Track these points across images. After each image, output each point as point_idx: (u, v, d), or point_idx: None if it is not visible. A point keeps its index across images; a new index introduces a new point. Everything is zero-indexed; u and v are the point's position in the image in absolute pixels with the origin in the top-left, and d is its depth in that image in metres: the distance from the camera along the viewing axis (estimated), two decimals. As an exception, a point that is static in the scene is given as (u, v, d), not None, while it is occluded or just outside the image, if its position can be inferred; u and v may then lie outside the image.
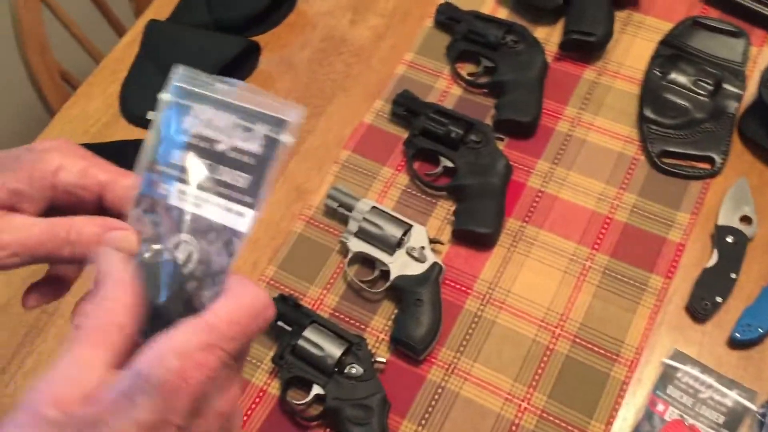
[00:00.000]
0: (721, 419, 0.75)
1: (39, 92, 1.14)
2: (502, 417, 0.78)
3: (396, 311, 0.85)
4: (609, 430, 0.76)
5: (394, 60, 1.03)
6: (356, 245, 0.87)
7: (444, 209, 0.91)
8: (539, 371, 0.80)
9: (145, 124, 1.01)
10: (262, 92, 0.49)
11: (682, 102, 0.92)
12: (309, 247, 0.90)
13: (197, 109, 0.49)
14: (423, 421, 0.79)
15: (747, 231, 0.84)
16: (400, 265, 0.85)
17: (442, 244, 0.88)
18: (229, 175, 0.49)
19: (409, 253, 0.85)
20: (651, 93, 0.94)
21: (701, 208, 0.87)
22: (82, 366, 0.40)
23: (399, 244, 0.85)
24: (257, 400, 0.81)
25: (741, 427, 0.74)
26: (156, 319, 0.46)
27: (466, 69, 1.01)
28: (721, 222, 0.85)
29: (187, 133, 0.49)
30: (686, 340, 0.81)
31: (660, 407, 0.76)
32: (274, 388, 0.81)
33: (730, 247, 0.83)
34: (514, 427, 0.77)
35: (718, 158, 0.89)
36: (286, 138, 0.49)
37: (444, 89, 1.00)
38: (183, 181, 0.48)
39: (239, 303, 0.44)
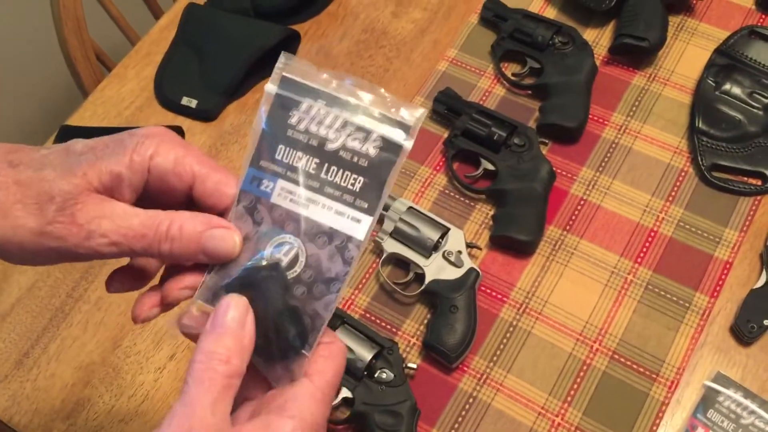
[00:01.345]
0: (764, 448, 0.72)
1: (73, 72, 1.12)
2: (535, 431, 0.76)
3: (429, 316, 0.82)
4: (645, 451, 0.74)
5: (436, 56, 1.00)
6: (391, 246, 0.84)
7: (483, 213, 0.89)
8: (575, 386, 0.78)
9: (179, 109, 0.99)
10: (379, 90, 0.46)
11: (736, 114, 0.89)
12: (342, 245, 0.88)
13: (306, 103, 0.46)
14: (452, 430, 0.76)
15: (799, 252, 0.81)
16: (435, 269, 0.82)
17: (479, 249, 0.86)
18: (340, 176, 0.46)
19: (445, 257, 0.83)
20: (703, 103, 0.90)
21: (750, 226, 0.84)
22: (200, 416, 0.40)
23: (435, 247, 0.83)
24: (283, 399, 0.79)
25: (784, 457, 0.72)
26: (262, 322, 0.44)
27: (510, 69, 0.98)
28: (771, 242, 0.82)
29: (294, 128, 0.46)
30: (729, 362, 0.78)
31: (700, 431, 0.73)
32: (302, 388, 0.80)
33: (781, 269, 0.80)
34: (546, 443, 0.75)
35: (771, 175, 0.86)
36: (406, 141, 0.46)
37: (487, 89, 0.97)
38: (289, 179, 0.46)
39: (338, 365, 0.45)
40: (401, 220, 0.84)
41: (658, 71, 0.96)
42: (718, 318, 0.80)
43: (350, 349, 0.77)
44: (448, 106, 0.93)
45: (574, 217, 0.87)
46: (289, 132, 0.46)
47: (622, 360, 0.78)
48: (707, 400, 0.75)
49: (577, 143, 0.92)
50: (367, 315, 0.84)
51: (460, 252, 0.83)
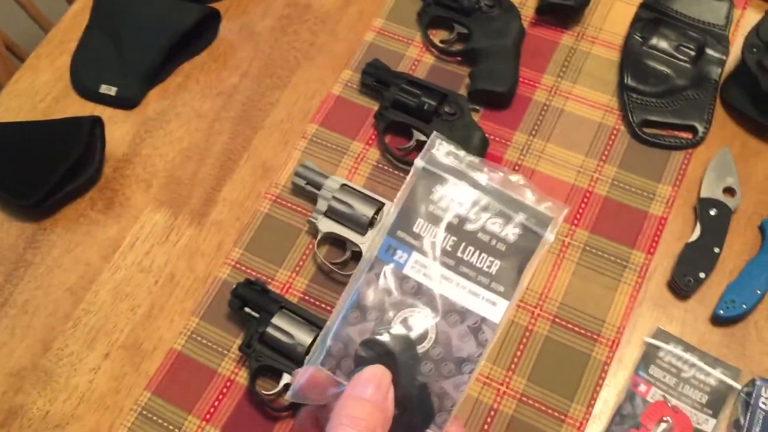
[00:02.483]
0: (705, 399, 0.72)
1: (-17, 65, 1.07)
2: (480, 402, 0.75)
3: (369, 294, 0.81)
4: (590, 412, 0.74)
5: (363, 27, 0.98)
6: (326, 225, 0.82)
7: (417, 185, 0.87)
8: (518, 353, 0.77)
9: (98, 98, 0.95)
10: (522, 179, 0.47)
11: (664, 68, 0.88)
12: (276, 228, 0.86)
13: (452, 182, 0.47)
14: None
15: (730, 203, 0.81)
16: (372, 246, 0.81)
17: (415, 222, 0.85)
18: (477, 257, 0.46)
19: (381, 233, 0.81)
20: (631, 59, 0.90)
21: (683, 180, 0.84)
22: None
23: (371, 223, 0.81)
24: (224, 390, 0.77)
25: (725, 406, 0.72)
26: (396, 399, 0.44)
27: (438, 36, 0.96)
28: (703, 194, 0.82)
29: (435, 204, 0.46)
30: (668, 317, 0.78)
31: (642, 388, 0.74)
32: (242, 377, 0.78)
33: (713, 221, 0.80)
34: (492, 412, 0.75)
35: (700, 127, 0.86)
36: (548, 233, 0.46)
37: (416, 57, 0.95)
38: (424, 253, 0.46)
39: None
40: (334, 198, 0.82)
41: (586, 29, 0.95)
42: (655, 274, 0.80)
43: (290, 334, 0.75)
44: (376, 78, 0.91)
45: (509, 183, 0.86)
46: (430, 207, 0.46)
47: (563, 323, 0.78)
48: (648, 357, 0.75)
49: (508, 108, 0.90)
50: (306, 298, 0.82)
51: (396, 227, 0.81)
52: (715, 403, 0.72)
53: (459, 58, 0.94)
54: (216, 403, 0.77)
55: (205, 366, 0.78)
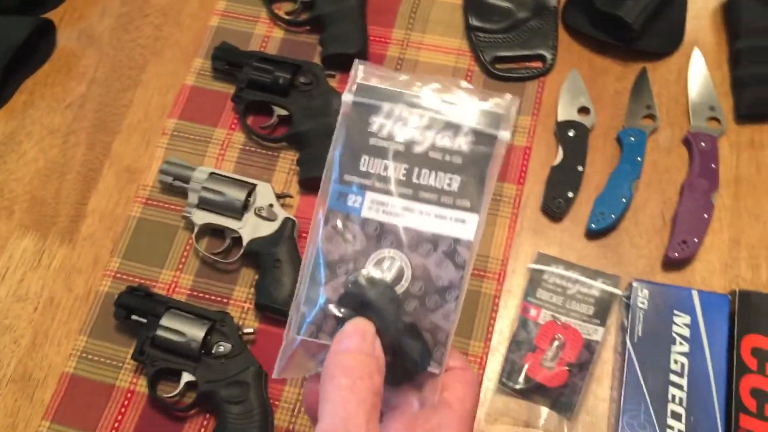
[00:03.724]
0: (591, 310, 0.75)
1: None
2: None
3: (256, 277, 0.80)
4: (488, 346, 0.76)
5: (206, 12, 0.96)
6: (200, 217, 0.81)
7: (288, 160, 0.86)
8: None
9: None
10: (461, 82, 0.44)
11: (505, 4, 0.90)
12: (152, 230, 0.83)
13: (387, 107, 0.43)
14: (304, 382, 0.75)
15: (586, 122, 0.84)
16: (250, 229, 0.80)
17: (291, 197, 0.84)
18: (434, 178, 0.43)
19: (257, 214, 0.80)
20: (472, 1, 0.91)
21: (540, 108, 0.87)
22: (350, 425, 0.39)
23: (245, 206, 0.80)
24: (126, 402, 0.75)
25: (610, 313, 0.75)
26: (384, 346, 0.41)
27: (283, 8, 0.95)
28: (560, 118, 0.85)
29: (376, 135, 0.43)
30: (547, 241, 0.81)
31: (533, 312, 0.76)
32: (142, 386, 0.76)
33: (573, 141, 0.83)
34: (396, 366, 0.76)
35: (548, 54, 0.88)
36: (501, 131, 0.43)
37: (265, 34, 0.94)
38: (378, 190, 0.42)
39: (476, 393, 0.44)
40: (204, 188, 0.81)
41: (427, -21, 0.96)
42: (528, 202, 0.82)
43: (181, 333, 0.74)
44: (227, 61, 0.89)
45: (377, 142, 0.87)
46: (371, 140, 0.43)
47: (450, 266, 0.80)
48: (534, 282, 0.78)
49: None
50: (195, 293, 0.80)
51: (271, 205, 0.81)
52: (601, 312, 0.75)
53: (308, 28, 0.93)
54: (119, 417, 0.75)
55: (101, 383, 0.76)
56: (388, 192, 0.43)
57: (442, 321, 0.42)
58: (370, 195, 0.43)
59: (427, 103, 0.43)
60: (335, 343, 0.42)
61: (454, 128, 0.43)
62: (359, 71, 0.45)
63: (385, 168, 0.43)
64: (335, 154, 0.44)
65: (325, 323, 0.43)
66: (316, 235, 0.44)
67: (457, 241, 0.42)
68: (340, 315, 0.43)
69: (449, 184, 0.43)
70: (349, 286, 0.43)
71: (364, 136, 0.43)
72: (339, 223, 0.43)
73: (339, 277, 0.43)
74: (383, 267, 0.43)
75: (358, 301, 0.42)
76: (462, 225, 0.43)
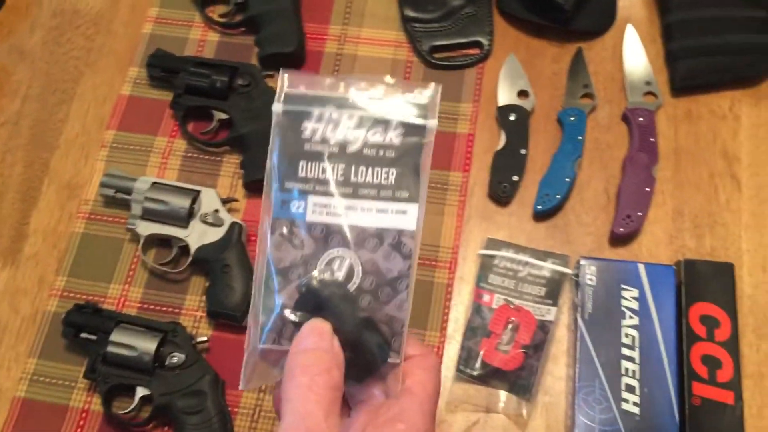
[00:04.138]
0: (543, 291, 0.76)
1: None
2: (341, 356, 0.76)
3: (207, 284, 0.79)
4: (444, 334, 0.76)
5: (138, 20, 0.94)
6: (145, 228, 0.80)
7: (231, 164, 0.85)
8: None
9: None
10: (384, 78, 0.45)
11: (438, -7, 0.90)
12: (97, 245, 0.82)
13: (316, 112, 0.44)
14: (263, 386, 0.75)
15: (526, 105, 0.85)
16: (197, 236, 0.79)
17: (236, 201, 0.83)
18: (371, 174, 0.44)
19: (203, 221, 0.79)
20: (407, -9, 0.91)
21: (481, 94, 0.87)
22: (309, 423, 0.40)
23: (190, 214, 0.79)
24: (81, 422, 0.74)
25: (562, 292, 0.76)
26: (340, 342, 0.43)
27: (217, 11, 0.94)
28: (501, 103, 0.85)
29: (310, 141, 0.44)
30: (496, 226, 0.81)
31: (486, 298, 0.76)
32: (97, 404, 0.74)
33: (515, 125, 0.84)
34: (354, 363, 0.75)
35: (484, 41, 0.89)
36: (428, 120, 0.44)
37: (200, 38, 0.92)
38: (319, 193, 0.44)
39: (437, 378, 0.45)
40: (147, 198, 0.79)
41: (360, -28, 0.95)
42: (475, 189, 0.83)
43: (132, 347, 0.73)
44: (163, 68, 0.88)
45: (321, 139, 0.86)
46: (306, 146, 0.44)
47: (402, 259, 0.80)
48: (485, 267, 0.78)
49: (303, 66, 0.90)
50: (145, 306, 0.79)
51: (217, 211, 0.80)
52: (552, 292, 0.76)
53: (243, 29, 0.92)
54: (75, 438, 0.73)
55: (54, 404, 0.75)
56: (328, 194, 0.44)
57: (396, 311, 0.43)
58: (312, 199, 0.44)
59: (355, 102, 0.45)
60: (294, 345, 0.43)
61: (383, 123, 0.44)
62: (284, 80, 0.45)
63: (323, 171, 0.44)
64: (273, 164, 0.44)
65: (284, 329, 0.44)
66: (265, 244, 0.44)
67: (401, 232, 0.44)
68: (297, 319, 0.44)
69: (386, 178, 0.44)
70: (303, 290, 0.44)
71: (299, 142, 0.44)
72: (285, 230, 0.44)
73: (292, 282, 0.44)
74: (334, 267, 0.44)
75: (313, 304, 0.43)
76: (404, 216, 0.44)
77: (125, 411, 0.73)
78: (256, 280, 0.45)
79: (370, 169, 0.44)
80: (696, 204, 0.80)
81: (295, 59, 0.89)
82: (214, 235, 0.79)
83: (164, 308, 0.79)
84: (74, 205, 0.84)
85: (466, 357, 0.74)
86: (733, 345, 0.70)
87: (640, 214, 0.78)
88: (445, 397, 0.73)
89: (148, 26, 0.93)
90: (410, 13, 0.90)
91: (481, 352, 0.73)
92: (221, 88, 0.85)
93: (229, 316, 0.76)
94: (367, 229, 0.44)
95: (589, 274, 0.73)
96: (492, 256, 0.78)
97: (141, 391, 0.73)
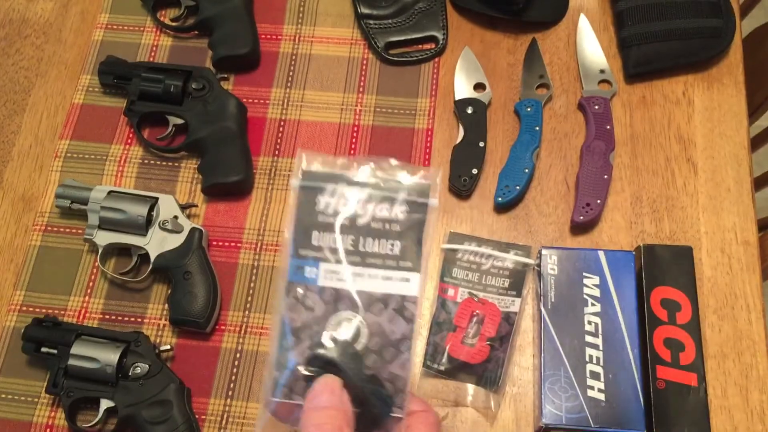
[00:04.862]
0: (507, 282, 0.76)
1: None
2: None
3: (168, 292, 0.78)
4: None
5: (88, 27, 0.92)
6: (104, 238, 0.78)
7: (189, 170, 0.85)
8: (330, 299, 0.78)
9: None
10: (390, 161, 0.50)
11: (391, -11, 0.90)
12: (55, 257, 0.81)
13: (330, 188, 0.50)
14: (230, 392, 0.74)
15: (483, 97, 0.85)
16: (157, 244, 0.78)
17: (196, 206, 0.82)
18: (378, 245, 0.49)
19: (162, 228, 0.78)
20: (359, -12, 0.91)
21: (438, 89, 0.87)
22: None
23: (149, 221, 0.78)
24: (45, 438, 0.73)
25: (525, 283, 0.76)
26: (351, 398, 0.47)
27: (168, 15, 0.92)
28: (458, 96, 0.85)
29: (323, 213, 0.49)
30: (458, 219, 0.81)
31: (450, 292, 0.76)
32: (61, 419, 0.73)
33: (472, 118, 0.84)
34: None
35: (439, 35, 0.89)
36: (430, 200, 0.50)
37: (153, 43, 0.91)
38: (330, 260, 0.49)
39: (436, 430, 0.48)
40: (104, 208, 0.78)
41: (312, -29, 0.95)
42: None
43: (94, 359, 0.72)
44: (115, 75, 0.86)
45: (279, 141, 0.86)
46: (320, 218, 0.49)
47: (365, 257, 0.79)
48: (448, 262, 0.78)
49: (258, 68, 0.89)
50: (107, 317, 0.78)
51: (176, 217, 0.79)
52: (516, 283, 0.76)
53: (195, 33, 0.91)
54: (40, 455, 0.72)
55: (17, 421, 0.73)
56: (339, 261, 0.49)
57: (399, 370, 0.48)
58: (323, 266, 0.49)
59: (364, 180, 0.50)
60: (308, 401, 0.47)
61: (390, 200, 0.50)
62: (303, 159, 0.51)
63: (334, 241, 0.49)
64: (289, 233, 0.50)
65: (297, 384, 0.48)
66: (280, 305, 0.49)
67: (404, 297, 0.48)
68: (309, 375, 0.48)
69: (392, 249, 0.49)
70: (315, 348, 0.48)
71: (313, 214, 0.50)
72: (299, 293, 0.49)
73: (304, 341, 0.48)
74: (342, 328, 0.48)
75: (323, 361, 0.48)
76: (407, 283, 0.49)
77: (90, 424, 0.72)
78: (271, 338, 0.49)
79: (377, 241, 0.49)
80: (654, 189, 0.80)
81: (250, 61, 0.88)
82: (174, 241, 0.78)
83: (126, 318, 0.78)
84: (30, 217, 0.83)
85: (432, 352, 0.74)
86: (694, 327, 0.71)
87: (599, 201, 0.78)
88: (413, 392, 0.73)
89: (98, 33, 0.92)
90: (364, 10, 0.89)
91: (447, 347, 0.73)
92: (175, 93, 0.84)
93: (192, 323, 0.75)
94: (373, 294, 0.48)
95: (551, 263, 0.74)
96: (455, 250, 0.78)
97: (105, 404, 0.72)
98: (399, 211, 0.50)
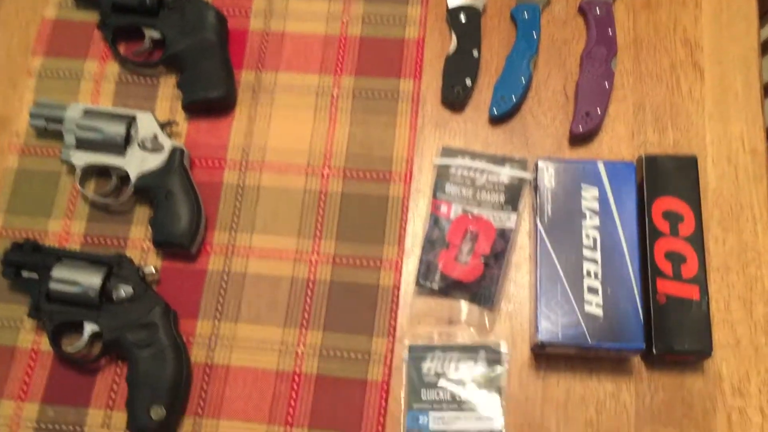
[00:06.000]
0: (503, 197, 0.73)
1: None
2: (296, 278, 0.73)
3: (151, 214, 0.75)
4: (402, 248, 0.73)
5: (56, -62, 0.87)
6: (81, 158, 0.75)
7: (169, 85, 0.80)
8: (320, 219, 0.75)
9: None
10: (465, 333, 0.70)
11: None
12: (33, 179, 0.78)
13: (430, 356, 0.68)
14: (218, 314, 0.72)
15: (477, 4, 0.79)
16: (137, 163, 0.75)
17: (176, 124, 0.78)
18: (470, 396, 0.67)
19: (142, 147, 0.75)
20: None
21: (429, -5, 0.82)
22: None
23: (127, 140, 0.75)
24: (31, 363, 0.71)
25: (522, 197, 0.73)
26: None
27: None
28: (451, 4, 0.80)
29: (428, 375, 0.68)
30: (451, 133, 0.77)
31: (443, 209, 0.73)
32: (45, 344, 0.72)
33: (466, 26, 0.79)
34: (310, 284, 0.73)
35: (431, -63, 0.83)
36: (500, 366, 0.69)
37: (126, -48, 0.86)
38: (436, 409, 0.67)
39: None
40: (80, 127, 0.75)
41: None
42: (428, 96, 0.79)
43: (75, 282, 0.69)
44: (86, -14, 0.81)
45: (263, 53, 0.81)
46: (426, 378, 0.68)
47: (354, 174, 0.76)
48: (441, 177, 0.75)
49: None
50: (89, 240, 0.75)
51: (155, 136, 0.75)
52: (512, 198, 0.73)
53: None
54: (26, 379, 0.71)
55: (1, 346, 0.72)
56: (442, 410, 0.67)
57: None
58: (432, 414, 0.67)
59: (456, 351, 0.69)
60: None
61: (473, 359, 0.69)
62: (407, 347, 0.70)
63: (437, 394, 0.68)
64: (403, 393, 0.69)
65: None
66: None
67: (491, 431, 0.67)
68: None
69: (474, 399, 0.68)
70: None
71: (420, 378, 0.68)
72: None
73: None
74: None
75: None
76: (489, 421, 0.67)
77: (76, 348, 0.70)
78: None
79: (465, 393, 0.68)
80: (657, 96, 0.76)
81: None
82: (155, 161, 0.74)
83: (109, 241, 0.75)
84: (5, 138, 0.79)
85: (425, 270, 0.71)
86: (697, 239, 0.68)
87: (599, 110, 0.74)
88: (407, 311, 0.71)
89: (67, -57, 0.86)
90: None
91: (440, 265, 0.71)
92: (150, 4, 0.79)
93: (177, 245, 0.73)
94: (468, 431, 0.67)
95: (548, 176, 0.70)
96: (448, 165, 0.75)
97: (89, 327, 0.70)
98: (480, 367, 0.69)
